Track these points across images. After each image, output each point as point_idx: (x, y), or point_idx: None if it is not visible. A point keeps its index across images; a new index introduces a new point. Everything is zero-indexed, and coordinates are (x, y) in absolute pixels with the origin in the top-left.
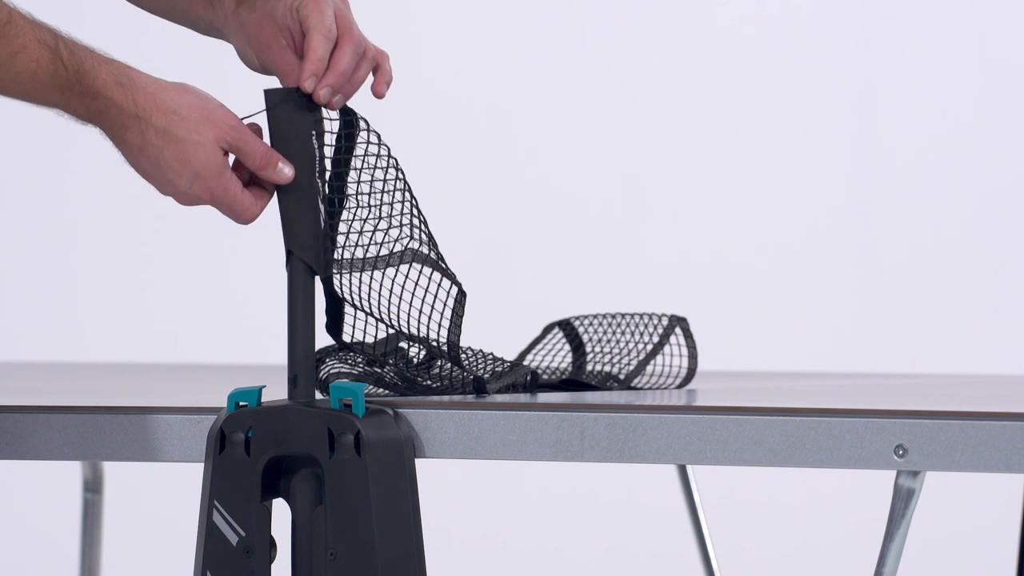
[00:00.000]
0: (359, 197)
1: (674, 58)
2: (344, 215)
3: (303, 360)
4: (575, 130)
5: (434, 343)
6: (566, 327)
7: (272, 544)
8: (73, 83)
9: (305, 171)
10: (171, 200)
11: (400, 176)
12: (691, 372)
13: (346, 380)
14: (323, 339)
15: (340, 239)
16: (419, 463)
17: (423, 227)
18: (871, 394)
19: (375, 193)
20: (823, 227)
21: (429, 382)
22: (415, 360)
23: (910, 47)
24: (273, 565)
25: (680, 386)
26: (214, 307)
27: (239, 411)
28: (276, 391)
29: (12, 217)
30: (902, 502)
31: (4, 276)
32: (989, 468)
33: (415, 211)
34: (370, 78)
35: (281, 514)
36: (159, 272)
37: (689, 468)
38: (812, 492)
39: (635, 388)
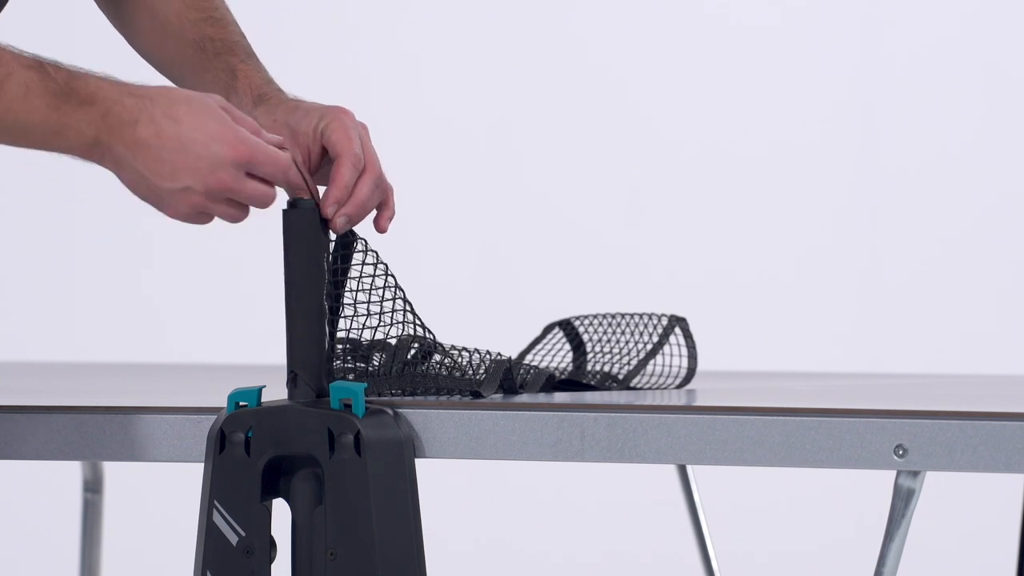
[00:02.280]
0: (357, 318)
1: (676, 64)
2: (340, 333)
3: (303, 360)
4: (577, 132)
5: (430, 339)
6: (566, 327)
7: (272, 544)
8: (68, 92)
9: (318, 295)
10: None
11: (400, 295)
12: (691, 372)
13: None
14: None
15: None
16: (419, 463)
17: (424, 331)
18: (871, 394)
19: (373, 308)
20: (824, 227)
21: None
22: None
23: (911, 53)
24: (273, 565)
25: (680, 386)
26: (214, 307)
27: (239, 411)
28: (276, 391)
29: (12, 217)
30: (902, 502)
31: (4, 276)
32: (989, 468)
33: (416, 321)
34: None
35: (281, 514)
36: (159, 272)
37: (689, 468)
38: (812, 492)
39: (635, 388)
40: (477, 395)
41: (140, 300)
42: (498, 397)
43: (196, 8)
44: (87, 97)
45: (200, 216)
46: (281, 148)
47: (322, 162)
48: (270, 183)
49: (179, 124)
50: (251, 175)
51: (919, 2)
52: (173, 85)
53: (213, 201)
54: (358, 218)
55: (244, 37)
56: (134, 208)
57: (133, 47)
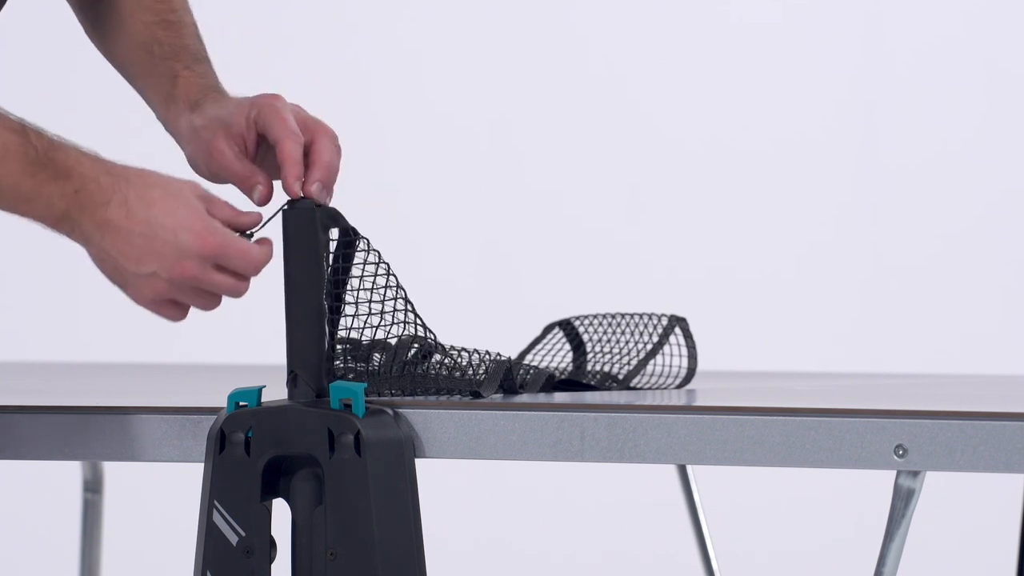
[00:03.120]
0: (358, 317)
1: (677, 61)
2: (341, 333)
3: (303, 360)
4: (578, 133)
5: (431, 340)
6: (566, 327)
7: (272, 544)
8: (45, 162)
9: (318, 294)
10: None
11: (402, 295)
12: (691, 372)
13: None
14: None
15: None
16: (419, 463)
17: (425, 331)
18: (871, 394)
19: (374, 308)
20: (824, 227)
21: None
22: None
23: (912, 50)
24: (273, 565)
25: (680, 386)
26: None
27: (239, 411)
28: (276, 391)
29: (12, 217)
30: (902, 502)
31: (4, 276)
32: (989, 468)
33: (417, 320)
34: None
35: (281, 514)
36: None
37: (689, 468)
38: (812, 492)
39: (635, 388)
40: (477, 395)
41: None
42: (498, 397)
43: (151, 11)
44: (63, 170)
45: (168, 305)
46: (259, 242)
47: (259, 151)
48: (242, 275)
49: (150, 208)
50: (221, 267)
51: (921, 0)
52: (151, 169)
53: (179, 290)
54: (329, 180)
55: (198, 40)
56: None
57: (99, 50)
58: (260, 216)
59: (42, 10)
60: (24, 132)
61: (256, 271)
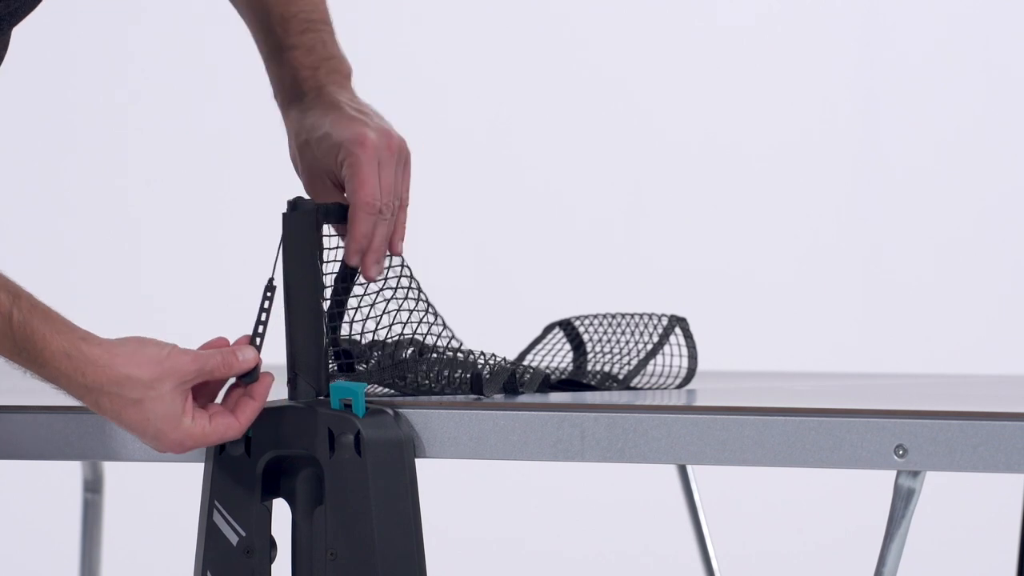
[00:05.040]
0: (369, 308)
1: (676, 62)
2: (355, 327)
3: (303, 360)
4: (577, 133)
5: (432, 342)
6: (566, 327)
7: (272, 544)
8: (21, 349)
9: (317, 295)
10: (170, 199)
11: (415, 286)
12: (691, 372)
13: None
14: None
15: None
16: (419, 463)
17: (440, 325)
18: (871, 394)
19: (386, 294)
20: (824, 227)
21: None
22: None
23: (912, 51)
24: (273, 565)
25: (680, 386)
26: (214, 307)
27: None
28: (276, 391)
29: (10, 217)
30: (902, 502)
31: None
32: (989, 468)
33: (429, 310)
34: None
35: (281, 514)
36: (158, 272)
37: (689, 468)
38: (812, 492)
39: (635, 388)
40: (478, 390)
41: (139, 300)
42: (499, 397)
43: None
44: (39, 361)
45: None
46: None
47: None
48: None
49: (121, 414)
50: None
51: (920, 1)
52: (128, 370)
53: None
54: (383, 256)
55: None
56: (133, 208)
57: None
58: (256, 356)
59: (42, 11)
60: (9, 314)
61: (237, 438)
